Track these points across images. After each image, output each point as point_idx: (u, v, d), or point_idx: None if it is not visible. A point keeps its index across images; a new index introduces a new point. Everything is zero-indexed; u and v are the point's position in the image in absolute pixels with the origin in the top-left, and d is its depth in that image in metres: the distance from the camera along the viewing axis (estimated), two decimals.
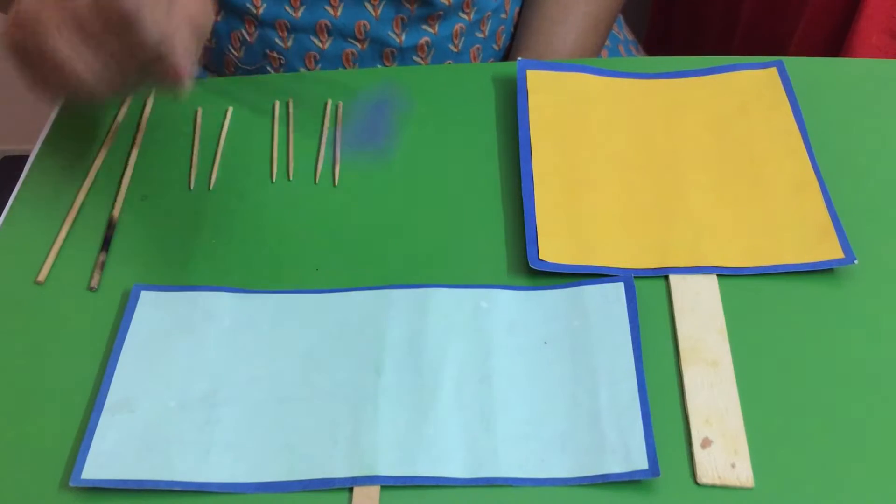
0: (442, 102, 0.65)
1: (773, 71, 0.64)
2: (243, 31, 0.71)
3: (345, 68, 0.73)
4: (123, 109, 0.65)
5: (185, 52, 0.48)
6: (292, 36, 0.71)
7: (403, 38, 0.72)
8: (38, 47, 0.48)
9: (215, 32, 0.73)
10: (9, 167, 1.62)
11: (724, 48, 1.15)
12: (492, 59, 0.77)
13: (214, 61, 0.76)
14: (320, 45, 0.72)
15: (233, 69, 0.75)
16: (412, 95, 0.65)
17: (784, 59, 0.65)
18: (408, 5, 0.70)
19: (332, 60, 0.73)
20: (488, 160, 0.61)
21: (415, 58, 0.74)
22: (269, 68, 0.74)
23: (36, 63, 0.49)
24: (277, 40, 0.71)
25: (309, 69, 0.73)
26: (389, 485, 0.45)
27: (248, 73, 0.74)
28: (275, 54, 0.72)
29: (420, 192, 0.59)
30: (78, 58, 0.48)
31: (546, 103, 0.63)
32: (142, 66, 0.49)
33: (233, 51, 0.73)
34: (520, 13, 0.78)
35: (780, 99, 0.62)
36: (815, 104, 0.62)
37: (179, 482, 0.46)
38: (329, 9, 0.70)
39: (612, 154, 0.60)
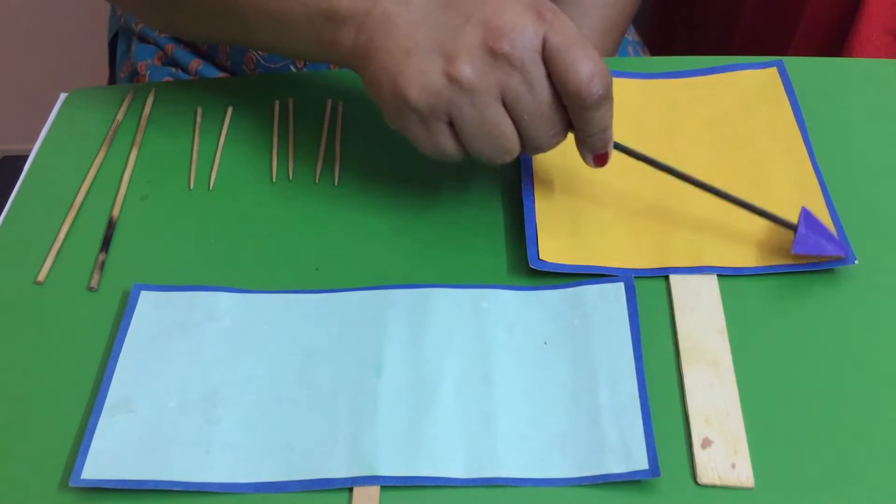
0: None
1: (774, 71, 0.64)
2: None
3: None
4: (123, 109, 0.65)
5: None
6: None
7: None
8: (478, 115, 0.48)
9: None
10: (9, 167, 1.62)
11: (724, 48, 1.15)
12: None
13: (234, 58, 0.75)
14: None
15: (252, 66, 0.74)
16: None
17: (784, 59, 0.65)
18: None
19: None
20: None
21: None
22: (292, 68, 0.73)
23: (463, 129, 0.49)
24: None
25: (331, 69, 0.73)
26: (389, 485, 0.45)
27: (270, 71, 0.74)
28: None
29: (420, 191, 0.59)
30: (513, 128, 0.49)
31: None
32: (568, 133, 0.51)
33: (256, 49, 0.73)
34: None
35: (781, 99, 0.62)
36: (815, 104, 0.62)
37: (179, 482, 0.45)
38: None
39: (612, 153, 0.60)
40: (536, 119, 0.49)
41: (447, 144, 0.50)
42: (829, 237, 0.52)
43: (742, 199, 0.53)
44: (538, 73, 0.48)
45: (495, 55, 0.47)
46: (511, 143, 0.50)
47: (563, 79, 0.48)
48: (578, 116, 0.49)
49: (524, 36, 0.47)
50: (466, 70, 0.47)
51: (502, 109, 0.49)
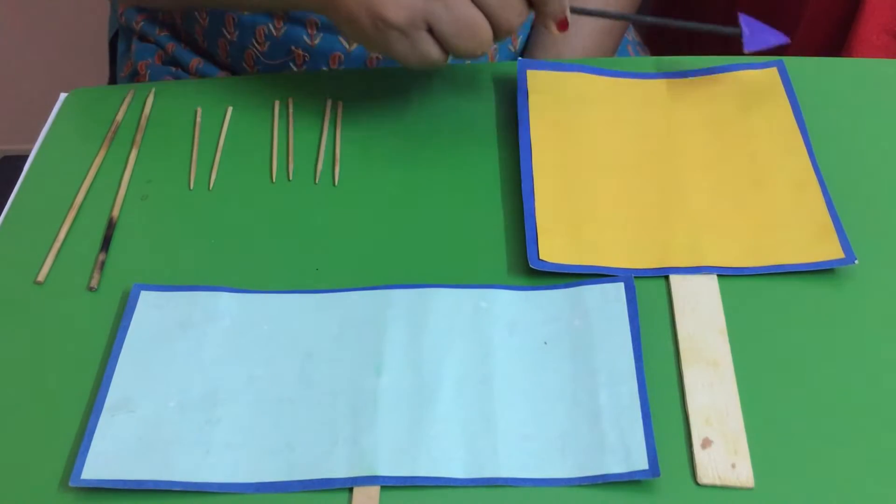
0: (442, 102, 0.65)
1: (774, 71, 0.64)
2: (270, 26, 0.71)
3: (367, 68, 0.73)
4: (123, 109, 0.65)
5: None
6: (321, 34, 0.71)
7: None
8: (451, 15, 0.53)
9: (238, 25, 0.72)
10: (9, 167, 1.62)
11: (724, 48, 1.14)
12: (508, 60, 0.77)
13: (234, 55, 0.75)
14: (347, 45, 0.72)
15: (252, 63, 0.74)
16: (414, 95, 0.65)
17: (784, 58, 0.65)
18: None
19: (355, 61, 0.73)
20: (488, 160, 0.61)
21: None
22: (291, 65, 0.73)
23: (442, 31, 0.54)
24: (305, 37, 0.71)
25: (331, 68, 0.73)
26: (389, 485, 0.45)
27: (270, 68, 0.74)
28: (300, 51, 0.72)
29: (420, 191, 0.59)
30: (484, 18, 0.54)
31: (546, 103, 0.63)
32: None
33: (256, 45, 0.73)
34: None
35: (781, 99, 0.62)
36: (815, 104, 0.62)
37: (179, 482, 0.45)
38: None
39: (612, 154, 0.60)
40: (502, 6, 0.54)
41: (431, 50, 0.55)
42: (771, 31, 0.59)
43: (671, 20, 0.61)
44: None
45: None
46: (486, 34, 0.54)
47: None
48: None
49: None
50: None
51: (472, 5, 0.53)
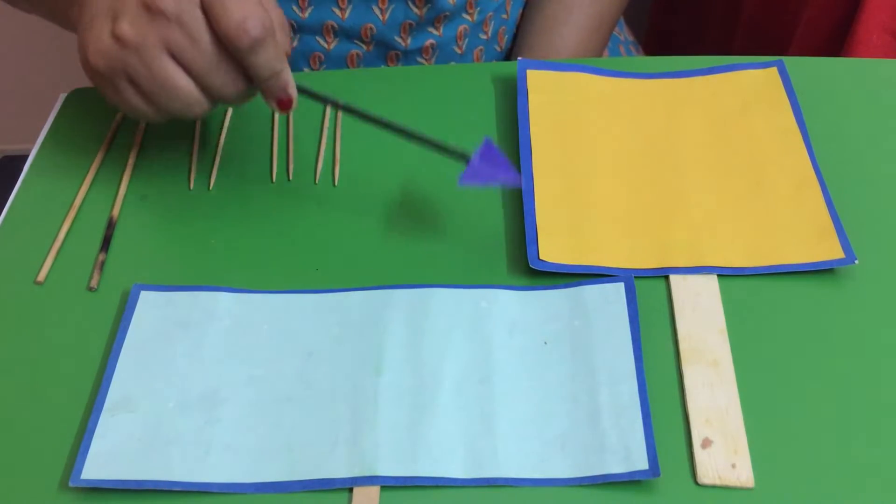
0: (442, 102, 0.65)
1: (774, 71, 0.64)
2: None
3: (348, 68, 0.73)
4: None
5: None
6: (298, 36, 0.71)
7: (409, 41, 0.72)
8: (147, 70, 0.49)
9: None
10: (9, 167, 1.62)
11: (724, 48, 1.15)
12: (494, 61, 0.77)
13: None
14: (326, 45, 0.72)
15: None
16: (412, 95, 0.65)
17: (784, 58, 0.65)
18: (416, 10, 0.70)
19: (336, 62, 0.73)
20: None
21: (419, 59, 0.74)
22: None
23: (141, 86, 0.50)
24: None
25: (313, 69, 0.73)
26: (389, 485, 0.45)
27: None
28: None
29: (420, 191, 0.59)
30: (188, 80, 0.50)
31: (546, 103, 0.63)
32: (251, 83, 0.52)
33: None
34: (522, 14, 0.78)
35: (781, 99, 0.62)
36: (816, 104, 0.62)
37: (179, 482, 0.45)
38: (336, 10, 0.69)
39: (612, 154, 0.60)
40: (206, 69, 0.49)
41: (137, 103, 0.51)
42: (505, 165, 0.52)
43: (417, 133, 0.54)
44: (196, 23, 0.48)
45: (150, 10, 0.48)
46: (191, 96, 0.50)
47: (217, 25, 0.48)
48: (243, 62, 0.50)
49: None
50: (125, 28, 0.49)
51: (171, 63, 0.49)
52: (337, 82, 0.67)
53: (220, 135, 0.63)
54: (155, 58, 0.49)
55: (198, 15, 0.48)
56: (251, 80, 0.51)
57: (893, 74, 0.66)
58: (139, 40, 0.49)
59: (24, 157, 0.63)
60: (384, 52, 0.72)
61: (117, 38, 0.49)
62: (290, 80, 0.52)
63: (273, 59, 0.50)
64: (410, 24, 0.71)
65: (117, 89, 0.51)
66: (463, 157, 0.53)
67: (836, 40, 0.92)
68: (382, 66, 0.73)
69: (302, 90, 0.53)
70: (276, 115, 0.64)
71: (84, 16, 0.52)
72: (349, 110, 0.55)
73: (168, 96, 0.50)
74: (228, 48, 0.49)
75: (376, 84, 0.67)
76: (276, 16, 0.51)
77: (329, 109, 0.64)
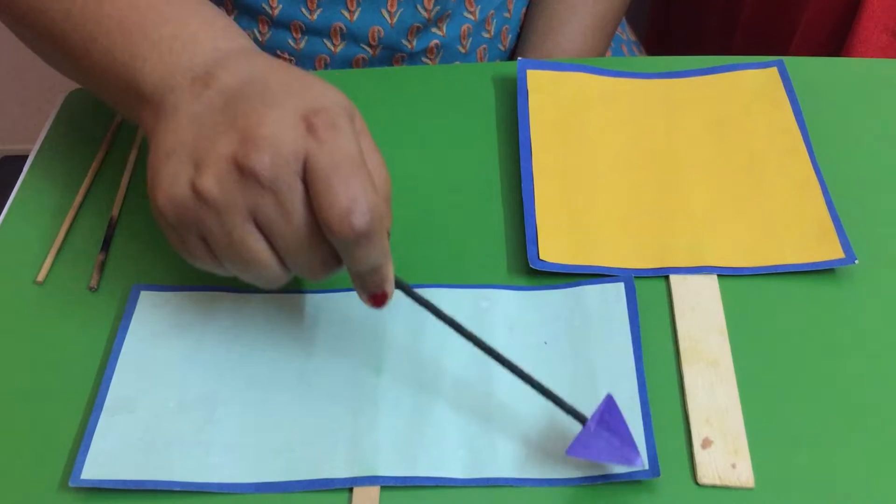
0: (442, 102, 0.65)
1: (774, 70, 0.64)
2: (255, 31, 0.71)
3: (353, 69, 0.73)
4: None
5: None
6: (305, 38, 0.71)
7: (415, 43, 0.72)
8: (226, 237, 0.42)
9: None
10: (9, 167, 1.62)
11: (724, 48, 1.15)
12: (498, 60, 0.77)
13: None
14: (332, 48, 0.71)
15: None
16: (412, 95, 0.65)
17: (784, 58, 0.65)
18: (424, 12, 0.70)
19: (341, 64, 0.73)
20: (488, 160, 0.61)
21: (424, 59, 0.74)
22: None
23: (213, 247, 0.43)
24: (290, 41, 0.71)
25: (317, 71, 0.73)
26: (389, 485, 0.45)
27: None
28: (285, 55, 0.72)
29: (420, 191, 0.59)
30: (270, 254, 0.42)
31: (546, 103, 0.63)
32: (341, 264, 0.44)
33: None
34: (526, 13, 0.78)
35: (781, 99, 0.62)
36: (816, 104, 0.62)
37: (179, 482, 0.45)
38: (345, 13, 0.69)
39: (613, 154, 0.60)
40: (294, 247, 0.42)
41: (205, 260, 0.44)
42: (626, 438, 0.44)
43: (542, 385, 0.46)
44: (293, 196, 0.41)
45: (242, 171, 0.40)
46: (270, 270, 0.43)
47: (318, 208, 0.40)
48: (341, 251, 0.42)
49: (278, 152, 0.40)
50: (209, 184, 0.41)
51: (255, 232, 0.42)
52: (337, 82, 0.67)
53: None
54: (237, 226, 0.41)
55: (297, 186, 0.41)
56: (342, 263, 0.44)
57: (893, 74, 0.66)
58: (222, 203, 0.41)
59: (24, 157, 0.63)
60: (390, 55, 0.72)
61: (197, 193, 0.41)
62: (389, 276, 0.44)
63: (377, 255, 0.42)
64: (418, 27, 0.71)
65: (183, 241, 0.44)
66: (579, 418, 0.45)
67: (836, 40, 0.92)
68: (382, 67, 0.73)
69: (401, 287, 0.46)
70: None
71: (158, 135, 0.44)
72: (453, 325, 0.46)
73: (244, 266, 0.43)
74: (326, 235, 0.41)
75: (376, 84, 0.66)
76: (384, 189, 0.44)
77: None
